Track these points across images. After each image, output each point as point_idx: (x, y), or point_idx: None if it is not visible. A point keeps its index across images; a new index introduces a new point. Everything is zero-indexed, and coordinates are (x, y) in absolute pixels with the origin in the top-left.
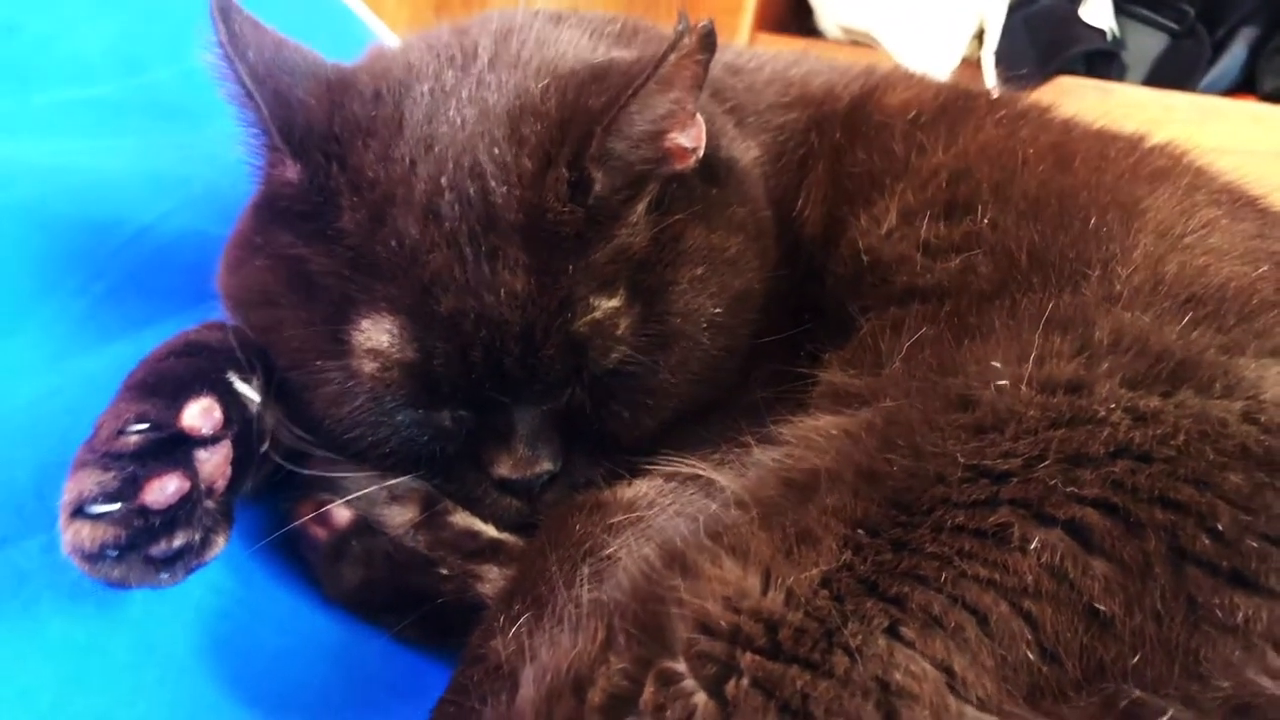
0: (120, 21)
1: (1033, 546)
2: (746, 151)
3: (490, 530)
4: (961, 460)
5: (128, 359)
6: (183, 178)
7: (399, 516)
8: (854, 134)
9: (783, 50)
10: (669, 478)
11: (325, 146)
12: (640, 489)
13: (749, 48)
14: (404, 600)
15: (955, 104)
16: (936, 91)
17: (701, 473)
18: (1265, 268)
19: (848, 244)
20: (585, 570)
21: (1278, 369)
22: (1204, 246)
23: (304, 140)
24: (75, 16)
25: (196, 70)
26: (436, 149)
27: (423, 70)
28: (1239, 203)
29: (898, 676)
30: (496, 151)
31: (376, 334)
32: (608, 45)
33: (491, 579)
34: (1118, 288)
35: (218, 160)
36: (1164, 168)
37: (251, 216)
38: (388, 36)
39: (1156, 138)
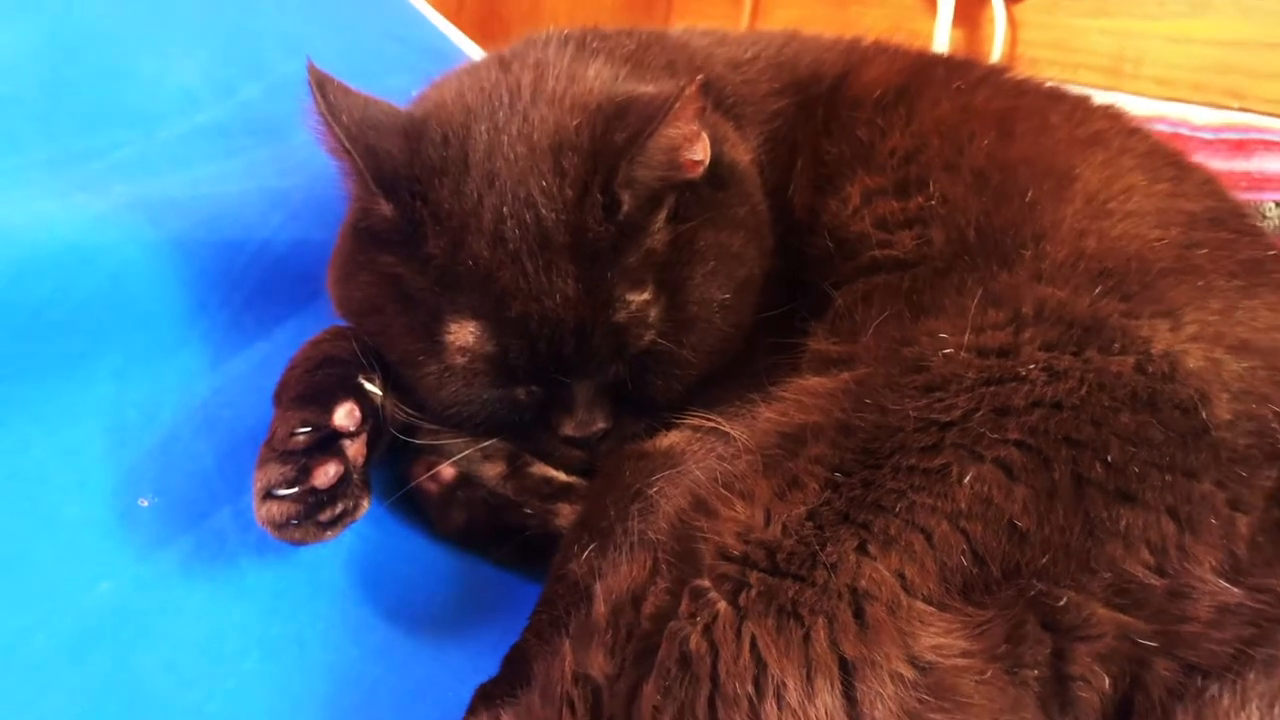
0: (210, 48)
1: (967, 479)
2: (745, 150)
3: (561, 476)
4: (914, 415)
5: (267, 356)
6: (284, 191)
7: (491, 470)
8: (830, 119)
9: (775, 33)
10: (695, 429)
11: (409, 187)
12: (674, 439)
13: (747, 34)
14: (500, 535)
15: (918, 77)
16: (904, 65)
17: (719, 426)
18: (1173, 230)
19: (821, 227)
20: (634, 509)
21: (1166, 326)
22: (1124, 211)
23: (392, 183)
24: (174, 51)
25: (277, 85)
26: (497, 184)
27: (479, 111)
28: (1161, 162)
29: (863, 583)
30: (544, 184)
31: (463, 335)
32: (627, 72)
33: (565, 514)
34: (1044, 265)
35: (306, 169)
36: (1099, 131)
37: (352, 238)
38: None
39: None
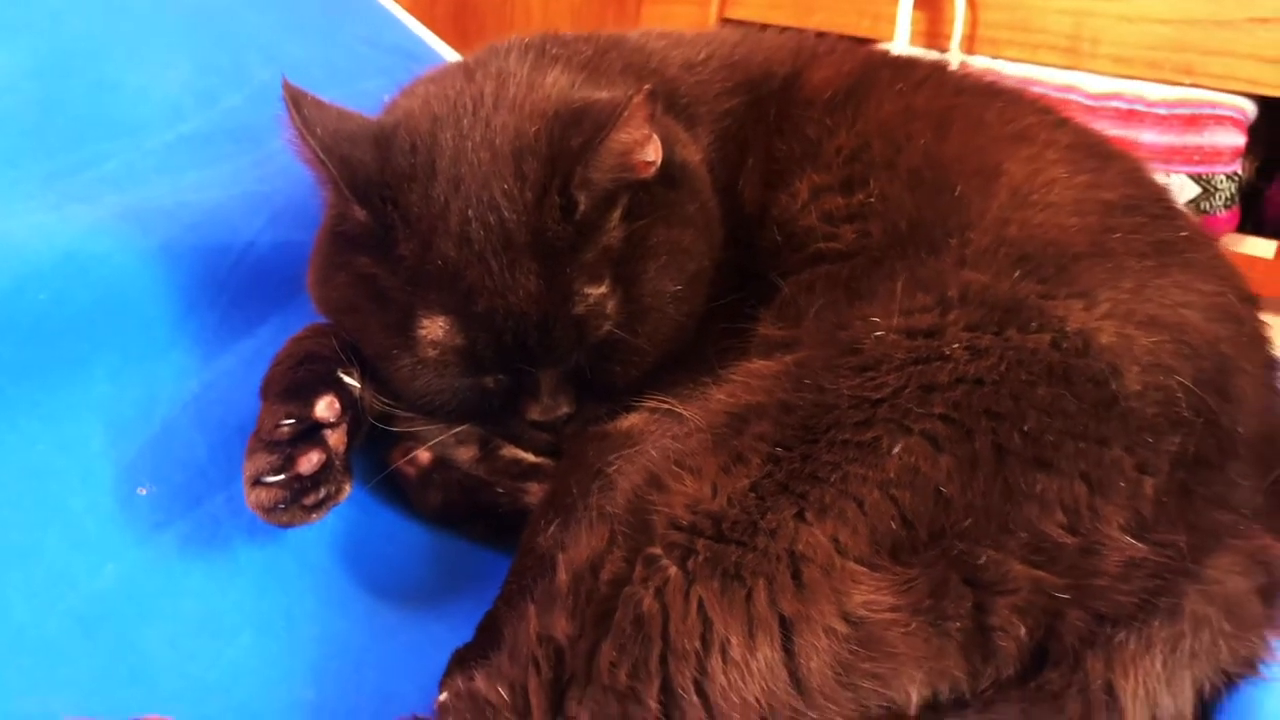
0: (193, 59)
1: (896, 451)
2: (696, 150)
3: (530, 457)
4: (848, 393)
5: (253, 353)
6: (266, 195)
7: (464, 454)
8: (782, 117)
9: (729, 32)
10: (653, 411)
11: (381, 193)
12: (633, 420)
13: (703, 34)
14: (474, 513)
15: (865, 79)
16: (852, 67)
17: (674, 408)
18: (1091, 218)
19: (770, 221)
20: (595, 486)
21: (1080, 305)
22: (1045, 202)
23: (365, 190)
24: (159, 62)
25: (257, 92)
26: (462, 188)
27: (445, 120)
28: (1084, 154)
29: (800, 547)
30: (506, 187)
31: (434, 329)
32: (584, 79)
33: (534, 492)
34: (969, 252)
35: (287, 173)
36: (1028, 126)
37: (329, 241)
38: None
39: None
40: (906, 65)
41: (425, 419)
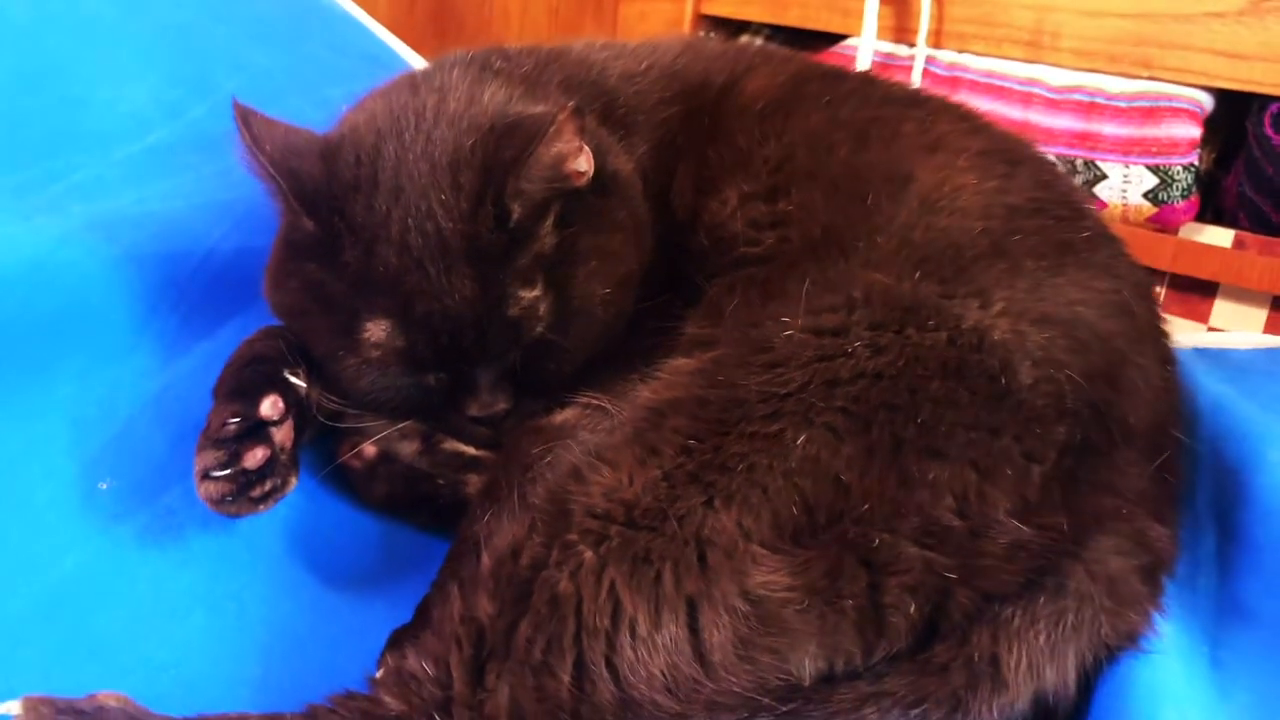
0: (160, 71)
1: (799, 442)
2: (628, 159)
3: (470, 450)
4: (757, 388)
5: (212, 354)
6: (228, 203)
7: (408, 448)
8: (715, 126)
9: (671, 42)
10: (584, 406)
11: (328, 204)
12: (566, 415)
13: (645, 44)
14: (417, 503)
15: (795, 91)
16: (784, 79)
17: (602, 404)
18: (994, 222)
19: (700, 226)
20: (524, 479)
21: (976, 304)
22: (951, 208)
23: (313, 202)
24: (126, 76)
25: (221, 103)
26: (402, 198)
27: (388, 133)
28: (995, 161)
29: (706, 532)
30: (443, 198)
31: (376, 332)
32: (521, 93)
33: (473, 483)
34: (874, 255)
35: (250, 181)
36: (942, 136)
37: (283, 248)
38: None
39: None
40: (835, 77)
41: (371, 415)
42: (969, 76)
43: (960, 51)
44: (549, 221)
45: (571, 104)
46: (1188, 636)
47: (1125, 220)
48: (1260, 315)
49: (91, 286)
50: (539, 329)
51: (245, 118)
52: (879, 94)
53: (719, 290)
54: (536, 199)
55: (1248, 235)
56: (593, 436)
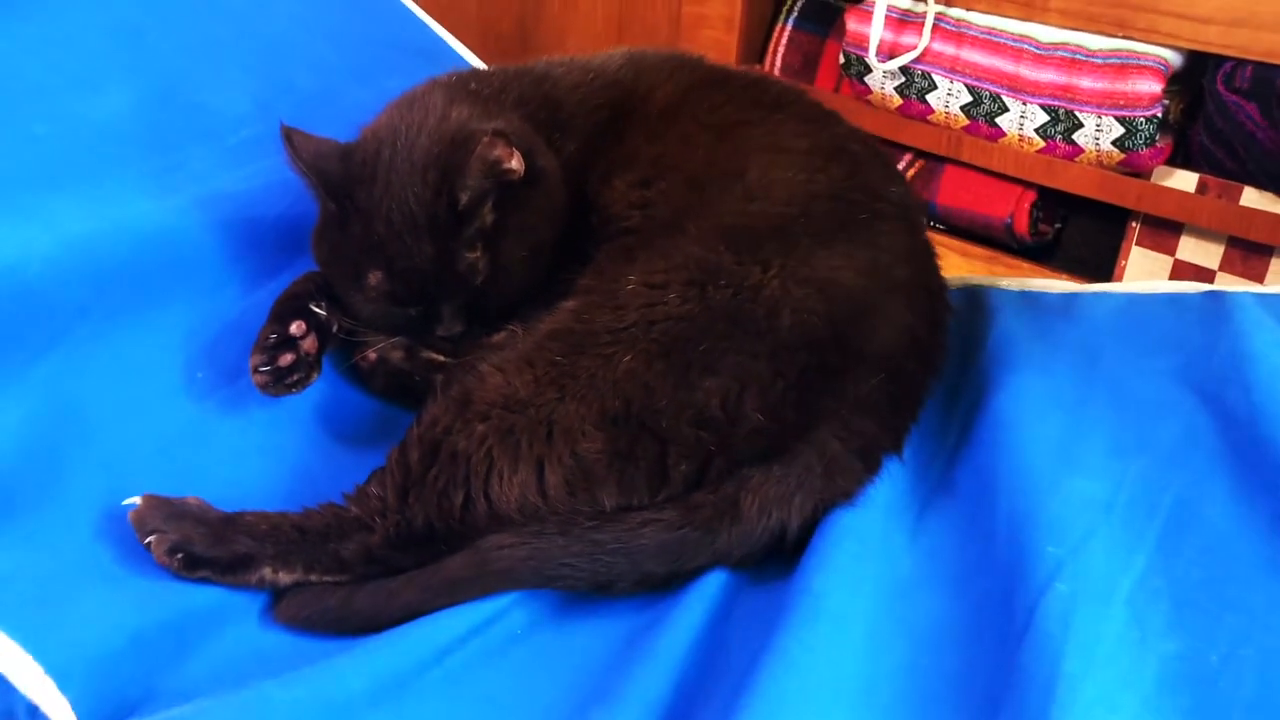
0: (256, 76)
1: (625, 360)
2: (555, 158)
3: (439, 357)
4: (603, 324)
5: (274, 291)
6: (291, 180)
7: (397, 355)
8: (626, 128)
9: (618, 55)
10: (509, 331)
11: (344, 192)
12: (499, 337)
13: (597, 57)
14: (403, 392)
15: (689, 96)
16: (685, 86)
17: (519, 329)
18: (794, 208)
19: (597, 207)
20: (452, 383)
21: (758, 269)
22: (764, 197)
23: (334, 191)
24: (231, 84)
25: (298, 100)
26: (390, 190)
27: (386, 142)
28: (816, 157)
29: (555, 416)
30: (416, 190)
31: (373, 279)
32: (480, 111)
33: (440, 380)
34: (698, 233)
35: None
36: (781, 137)
37: (320, 219)
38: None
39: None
40: (722, 84)
41: (373, 333)
42: (971, 33)
43: (968, 9)
44: (488, 205)
45: (500, 124)
46: (901, 501)
47: (1100, 164)
48: (1218, 250)
49: (197, 242)
50: (479, 280)
51: (289, 136)
52: (751, 99)
53: (602, 255)
54: (478, 190)
55: (1210, 179)
56: (500, 353)
